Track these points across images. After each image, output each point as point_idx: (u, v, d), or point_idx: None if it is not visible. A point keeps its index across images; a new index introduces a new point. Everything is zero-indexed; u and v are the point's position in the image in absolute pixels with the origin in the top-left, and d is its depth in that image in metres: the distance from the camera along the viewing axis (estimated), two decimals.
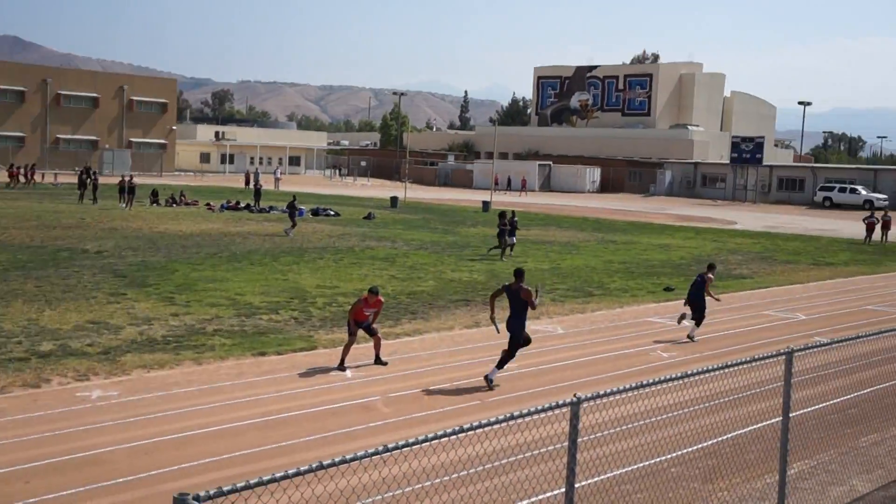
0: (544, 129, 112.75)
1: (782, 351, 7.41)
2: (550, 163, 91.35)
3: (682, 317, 16.96)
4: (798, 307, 21.61)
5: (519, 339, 12.25)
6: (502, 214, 28.56)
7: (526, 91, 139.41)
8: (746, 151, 77.48)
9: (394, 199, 53.72)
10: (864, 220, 41.18)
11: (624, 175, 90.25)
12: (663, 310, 20.43)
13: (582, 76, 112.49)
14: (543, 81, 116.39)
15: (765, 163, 78.48)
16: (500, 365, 12.23)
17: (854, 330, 18.66)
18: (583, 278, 24.76)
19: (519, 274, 12.59)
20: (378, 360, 13.54)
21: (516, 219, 29.30)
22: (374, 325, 13.56)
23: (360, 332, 13.75)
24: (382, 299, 13.53)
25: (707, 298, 16.67)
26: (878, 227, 40.35)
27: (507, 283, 12.90)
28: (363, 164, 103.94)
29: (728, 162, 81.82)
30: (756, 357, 7.16)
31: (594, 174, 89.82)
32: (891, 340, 9.17)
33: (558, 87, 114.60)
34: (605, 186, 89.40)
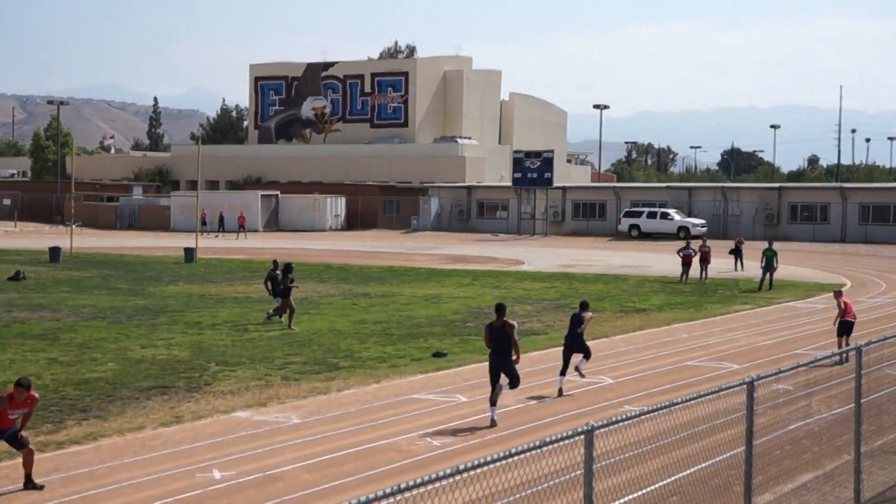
0: (268, 147, 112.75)
1: (580, 430, 7.51)
2: (278, 192, 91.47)
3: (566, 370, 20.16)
4: (603, 368, 22.74)
5: (511, 369, 16.93)
6: (287, 268, 28.98)
7: (241, 97, 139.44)
8: (532, 170, 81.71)
9: (54, 251, 51.14)
10: (678, 253, 44.53)
11: (377, 205, 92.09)
12: (433, 382, 20.73)
13: (315, 76, 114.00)
14: (264, 84, 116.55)
15: (556, 184, 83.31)
16: (494, 400, 16.93)
17: (671, 394, 19.77)
18: (325, 347, 24.89)
19: (500, 309, 17.10)
20: (29, 484, 12.95)
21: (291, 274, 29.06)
22: (24, 434, 13.19)
23: (3, 444, 13.28)
24: (36, 395, 13.48)
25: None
26: (695, 261, 43.74)
27: (490, 323, 17.25)
28: (6, 202, 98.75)
29: (510, 184, 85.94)
30: (549, 440, 7.19)
31: (337, 205, 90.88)
32: (715, 404, 9.72)
33: (284, 90, 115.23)
34: (353, 221, 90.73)
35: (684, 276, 43.20)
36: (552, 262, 54.01)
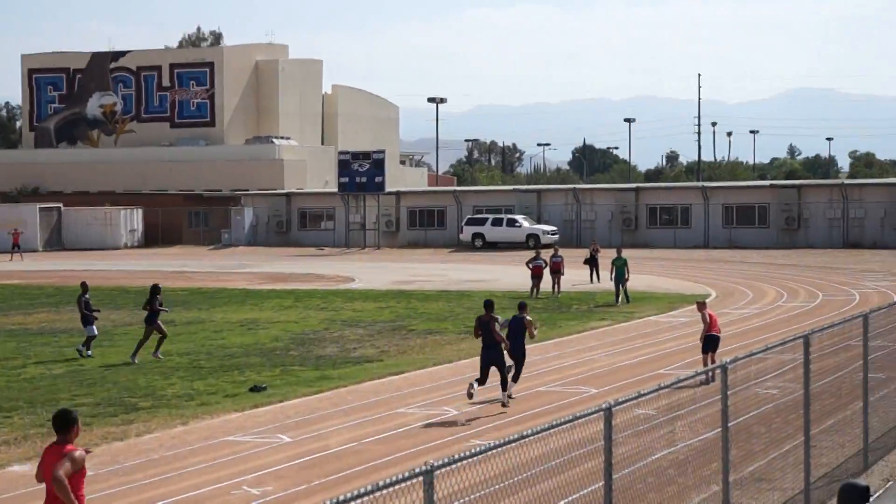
0: (47, 151, 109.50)
1: (417, 471, 7.58)
2: (60, 205, 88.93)
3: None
4: (446, 398, 22.94)
5: (501, 362, 21.55)
6: (155, 290, 29.10)
7: (12, 93, 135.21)
8: (361, 173, 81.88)
9: None
10: (528, 265, 45.30)
11: (181, 218, 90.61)
12: (251, 422, 20.56)
13: (102, 68, 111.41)
14: (40, 78, 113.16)
15: (389, 189, 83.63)
16: (505, 386, 21.56)
17: (523, 424, 20.07)
18: (121, 385, 24.47)
19: (489, 305, 22.14)
20: None
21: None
22: None
23: None
24: None
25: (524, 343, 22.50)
26: (547, 273, 44.56)
27: (479, 316, 21.88)
28: None
29: (336, 190, 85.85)
30: (382, 483, 7.22)
31: (133, 219, 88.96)
32: (571, 435, 9.96)
33: (65, 85, 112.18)
34: (153, 237, 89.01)
35: (535, 291, 43.93)
36: (386, 279, 54.17)
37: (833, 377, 16.75)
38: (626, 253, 44.22)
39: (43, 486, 11.14)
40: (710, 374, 13.29)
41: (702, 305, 25.22)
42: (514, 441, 8.76)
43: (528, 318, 22.57)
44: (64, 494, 10.66)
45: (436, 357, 28.57)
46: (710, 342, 24.33)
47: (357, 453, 18.04)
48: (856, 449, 16.55)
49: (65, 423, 11.21)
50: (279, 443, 18.80)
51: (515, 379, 22.02)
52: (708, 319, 24.44)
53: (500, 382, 21.56)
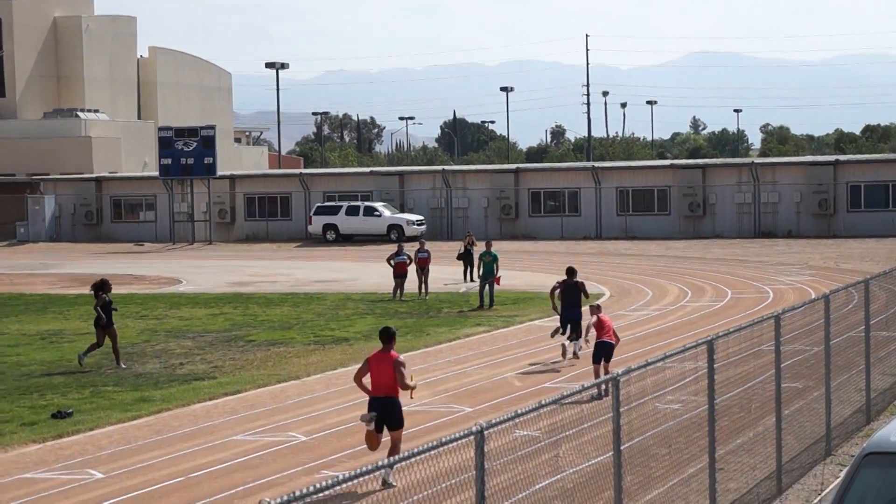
0: None
1: None
2: None
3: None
4: (294, 420, 22.92)
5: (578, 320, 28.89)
6: (102, 286, 30.31)
7: None
8: (187, 153, 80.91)
9: None
10: (389, 261, 45.34)
11: None
12: (54, 455, 20.35)
13: None
14: None
15: (221, 172, 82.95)
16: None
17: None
18: None
19: (571, 272, 30.19)
20: None
21: None
22: None
23: None
24: None
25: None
26: (412, 270, 44.65)
27: (562, 281, 30.01)
28: None
29: (157, 174, 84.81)
30: None
31: None
32: (437, 463, 10.06)
33: None
34: None
35: (398, 292, 44.04)
36: (220, 280, 53.76)
37: (742, 388, 17.18)
38: (505, 246, 44.77)
39: None
40: (604, 386, 13.50)
41: (596, 309, 25.50)
42: (370, 472, 8.78)
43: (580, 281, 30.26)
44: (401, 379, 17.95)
45: (279, 373, 28.44)
46: (601, 350, 24.71)
47: (184, 490, 17.90)
48: (768, 471, 16.99)
49: (389, 336, 18.37)
50: (89, 480, 18.57)
51: (580, 336, 29.07)
52: (600, 324, 24.79)
53: (568, 338, 29.01)
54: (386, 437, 18.08)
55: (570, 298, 29.24)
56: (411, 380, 18.26)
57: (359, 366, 18.96)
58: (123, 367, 29.35)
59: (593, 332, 25.10)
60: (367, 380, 18.33)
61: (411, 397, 18.53)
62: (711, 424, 15.05)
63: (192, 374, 28.47)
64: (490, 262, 41.41)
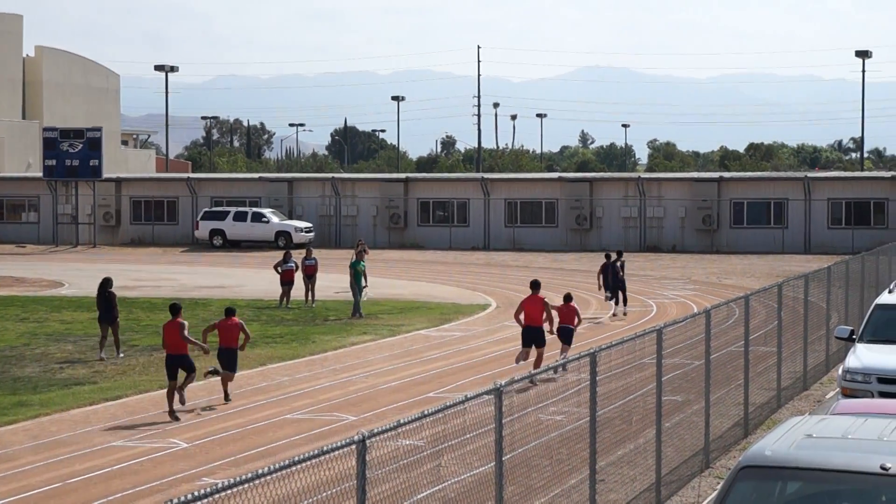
0: None
1: None
2: None
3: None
4: (177, 426, 22.90)
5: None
6: (107, 283, 33.02)
7: None
8: (72, 155, 79.87)
9: None
10: (276, 268, 45.17)
11: None
12: None
13: None
14: None
15: (107, 174, 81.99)
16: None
17: (266, 459, 20.08)
18: None
19: (619, 253, 42.83)
20: None
21: None
22: None
23: None
24: None
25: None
26: (299, 278, 44.56)
27: (605, 263, 41.80)
28: None
29: (40, 175, 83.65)
30: None
31: None
32: (318, 473, 10.08)
33: None
34: None
35: (285, 299, 43.89)
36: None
37: (623, 400, 17.35)
38: (393, 255, 44.81)
39: None
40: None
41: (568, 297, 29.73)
42: (251, 480, 8.75)
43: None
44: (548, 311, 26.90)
45: (162, 379, 28.15)
46: (562, 334, 28.96)
47: (60, 496, 17.69)
48: (648, 483, 17.18)
49: (538, 284, 27.09)
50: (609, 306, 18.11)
51: (626, 301, 41.17)
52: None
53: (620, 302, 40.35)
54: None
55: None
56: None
57: None
58: (122, 356, 31.50)
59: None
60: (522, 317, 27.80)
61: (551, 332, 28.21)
62: (593, 436, 15.20)
63: (73, 378, 28.13)
64: (361, 270, 41.66)
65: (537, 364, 26.80)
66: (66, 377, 28.30)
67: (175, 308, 24.87)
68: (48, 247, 79.48)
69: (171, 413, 23.40)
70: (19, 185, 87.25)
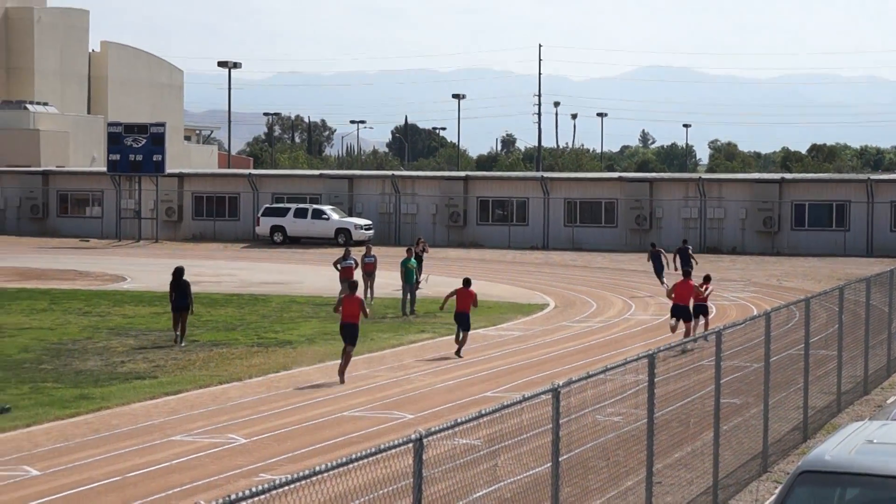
0: None
1: None
2: None
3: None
4: (234, 422, 22.94)
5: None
6: (180, 272, 34.91)
7: None
8: (136, 150, 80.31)
9: None
10: (336, 265, 45.28)
11: None
12: None
13: None
14: None
15: (170, 170, 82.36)
16: None
17: (324, 456, 20.12)
18: None
19: (655, 246, 50.55)
20: None
21: None
22: None
23: None
24: None
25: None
26: (359, 275, 44.57)
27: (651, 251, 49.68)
28: None
29: (105, 170, 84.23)
30: None
31: None
32: (374, 471, 10.06)
33: None
34: None
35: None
36: (165, 279, 52.66)
37: (681, 403, 17.26)
38: (452, 253, 44.70)
39: None
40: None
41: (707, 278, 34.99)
42: (308, 477, 8.77)
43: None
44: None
45: (222, 374, 28.33)
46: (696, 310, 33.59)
47: (120, 490, 17.80)
48: (705, 486, 17.08)
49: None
50: (24, 476, 18.43)
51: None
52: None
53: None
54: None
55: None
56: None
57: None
58: (183, 345, 32.50)
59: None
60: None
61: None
62: (650, 438, 15.12)
63: (134, 372, 28.30)
64: (412, 268, 41.69)
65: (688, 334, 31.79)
66: (126, 371, 28.50)
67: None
68: (111, 241, 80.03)
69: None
70: (84, 180, 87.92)
